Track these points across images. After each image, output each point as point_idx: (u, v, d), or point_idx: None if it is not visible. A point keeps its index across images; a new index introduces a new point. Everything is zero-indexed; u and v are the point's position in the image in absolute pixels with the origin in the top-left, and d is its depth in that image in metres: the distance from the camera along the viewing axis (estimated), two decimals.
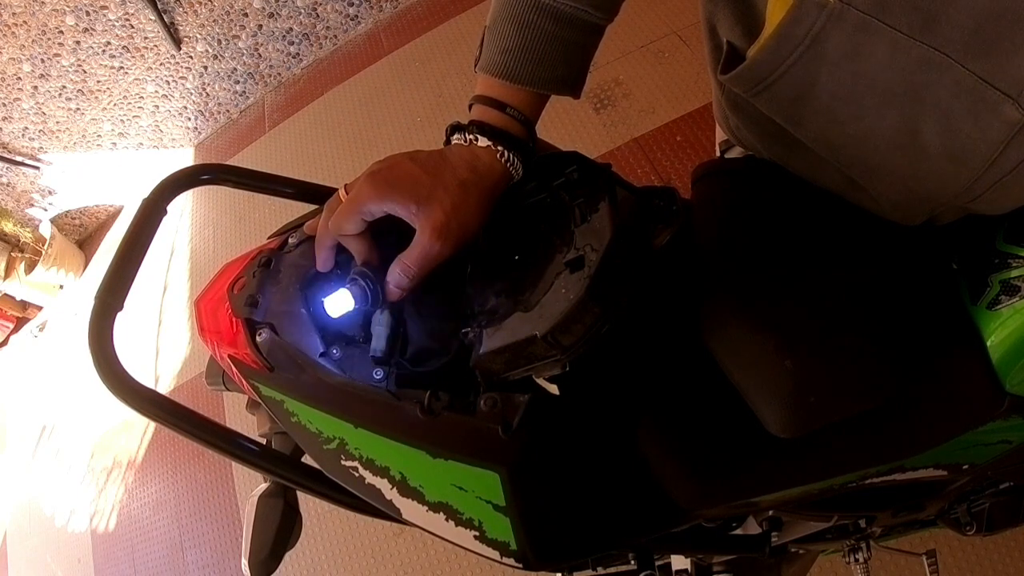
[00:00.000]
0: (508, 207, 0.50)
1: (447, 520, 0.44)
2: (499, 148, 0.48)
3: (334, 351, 0.47)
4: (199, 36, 2.62)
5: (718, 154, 0.70)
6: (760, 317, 0.47)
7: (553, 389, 0.51)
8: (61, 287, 2.94)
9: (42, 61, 2.48)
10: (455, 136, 0.50)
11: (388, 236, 0.47)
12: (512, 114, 0.50)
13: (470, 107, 0.51)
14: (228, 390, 0.60)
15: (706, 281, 0.52)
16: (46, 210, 2.95)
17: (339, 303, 0.46)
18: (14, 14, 2.32)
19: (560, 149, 0.54)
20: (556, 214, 0.47)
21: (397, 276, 0.46)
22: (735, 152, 0.66)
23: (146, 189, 0.52)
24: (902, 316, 0.48)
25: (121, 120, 2.79)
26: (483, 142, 0.48)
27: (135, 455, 2.20)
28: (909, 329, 0.48)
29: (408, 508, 0.44)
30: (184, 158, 3.01)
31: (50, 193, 2.91)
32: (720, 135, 0.69)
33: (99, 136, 2.81)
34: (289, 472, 0.49)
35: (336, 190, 0.50)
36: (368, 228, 0.46)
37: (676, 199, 0.50)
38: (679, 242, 0.49)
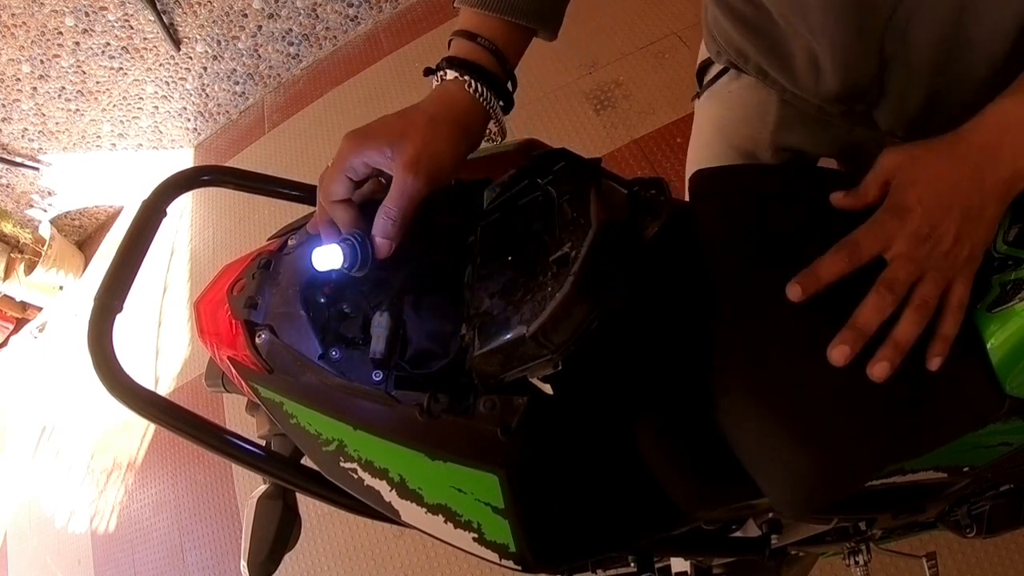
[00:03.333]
0: (505, 208, 0.50)
1: (446, 522, 0.44)
2: (466, 78, 0.48)
3: (333, 353, 0.46)
4: (198, 37, 2.62)
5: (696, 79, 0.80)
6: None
7: (548, 389, 0.51)
8: (61, 288, 2.94)
9: (41, 62, 2.48)
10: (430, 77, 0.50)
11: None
12: (483, 44, 0.50)
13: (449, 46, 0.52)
14: (228, 392, 0.60)
15: (706, 281, 0.52)
16: (46, 211, 2.95)
17: (327, 257, 0.45)
18: (13, 15, 2.32)
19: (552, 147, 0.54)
20: (547, 212, 0.47)
21: (381, 224, 0.46)
22: (712, 71, 0.77)
23: (145, 190, 0.52)
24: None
25: (120, 121, 2.79)
26: (451, 74, 0.49)
27: (135, 456, 2.19)
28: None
29: (407, 510, 0.44)
30: (184, 159, 3.01)
31: (50, 194, 2.91)
32: (703, 54, 0.77)
33: (99, 137, 2.80)
34: (288, 474, 0.49)
35: None
36: (354, 196, 0.48)
37: (665, 189, 0.49)
38: (678, 241, 0.49)
